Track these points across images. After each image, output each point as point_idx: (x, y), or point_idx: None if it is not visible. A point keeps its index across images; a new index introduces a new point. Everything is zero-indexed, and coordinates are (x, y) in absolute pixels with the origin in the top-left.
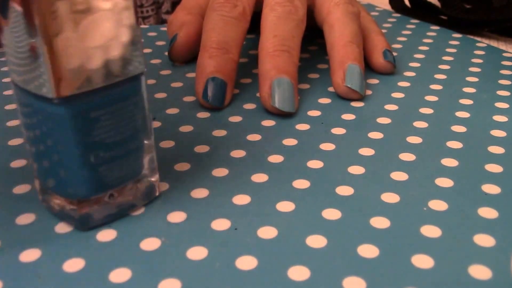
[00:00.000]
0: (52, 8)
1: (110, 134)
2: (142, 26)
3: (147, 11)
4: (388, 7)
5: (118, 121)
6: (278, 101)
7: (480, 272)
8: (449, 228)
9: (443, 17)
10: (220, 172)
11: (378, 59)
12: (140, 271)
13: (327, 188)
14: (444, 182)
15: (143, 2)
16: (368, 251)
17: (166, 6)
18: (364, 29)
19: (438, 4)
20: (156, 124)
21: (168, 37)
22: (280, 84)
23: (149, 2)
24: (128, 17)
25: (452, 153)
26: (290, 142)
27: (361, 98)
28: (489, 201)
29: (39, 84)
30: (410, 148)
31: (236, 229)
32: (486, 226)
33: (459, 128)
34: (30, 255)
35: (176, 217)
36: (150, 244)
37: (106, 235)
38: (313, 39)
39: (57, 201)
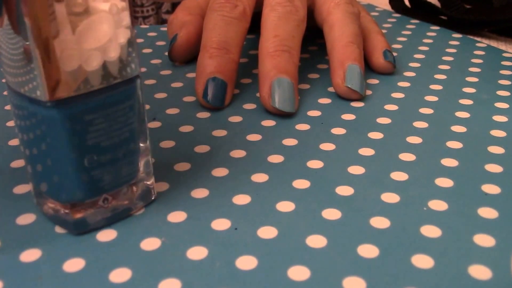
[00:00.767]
0: (49, 11)
1: (104, 137)
2: (142, 26)
3: (147, 11)
4: (388, 7)
5: (113, 124)
6: (278, 101)
7: (480, 272)
8: (449, 228)
9: (443, 17)
10: (220, 172)
11: (378, 59)
12: (140, 271)
13: (327, 188)
14: (444, 182)
15: (143, 1)
16: (368, 251)
17: (166, 6)
18: (364, 29)
19: (438, 4)
20: (156, 124)
21: (168, 37)
22: (280, 84)
23: (149, 1)
24: (125, 19)
25: (452, 153)
26: (290, 142)
27: (361, 98)
28: (489, 201)
29: (33, 87)
30: (410, 148)
31: (236, 229)
32: (486, 226)
33: (459, 128)
34: (30, 255)
35: (176, 217)
36: (150, 244)
37: (106, 235)
38: (313, 39)
39: (51, 205)
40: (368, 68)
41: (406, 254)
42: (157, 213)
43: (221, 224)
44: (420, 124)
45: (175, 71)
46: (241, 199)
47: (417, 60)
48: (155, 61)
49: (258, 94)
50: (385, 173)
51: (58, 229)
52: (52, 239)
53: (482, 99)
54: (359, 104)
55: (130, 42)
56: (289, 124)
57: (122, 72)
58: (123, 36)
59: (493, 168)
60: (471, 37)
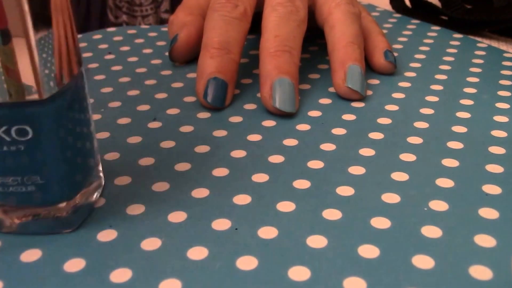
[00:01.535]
0: None
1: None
2: (143, 26)
3: (146, 10)
4: (388, 7)
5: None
6: (279, 102)
7: (480, 272)
8: (449, 228)
9: (443, 17)
10: (221, 172)
11: (379, 60)
12: (140, 271)
13: (327, 188)
14: (445, 183)
15: (142, 1)
16: (368, 251)
17: (165, 5)
18: (365, 29)
19: (438, 4)
20: (157, 124)
21: (169, 37)
22: (281, 85)
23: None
24: None
25: (452, 153)
26: (290, 142)
27: (362, 98)
28: (490, 201)
29: None
30: (411, 148)
31: (236, 229)
32: (487, 227)
33: (459, 129)
34: (30, 255)
35: (177, 217)
36: (151, 244)
37: (106, 235)
38: (313, 40)
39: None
40: (369, 68)
41: (407, 254)
42: (157, 213)
43: (221, 224)
44: (420, 124)
45: (175, 71)
46: (242, 199)
47: (418, 60)
48: (155, 62)
49: (258, 94)
50: (386, 173)
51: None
52: (53, 239)
53: (482, 99)
54: (360, 104)
55: None
56: (290, 124)
57: None
58: None
59: (494, 168)
60: (472, 37)
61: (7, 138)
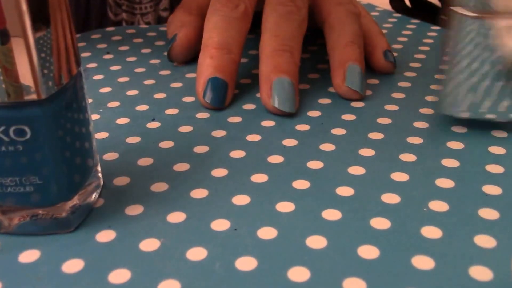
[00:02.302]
0: None
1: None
2: (142, 26)
3: (146, 8)
4: (388, 7)
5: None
6: (279, 101)
7: (481, 273)
8: (449, 229)
9: (443, 17)
10: (220, 172)
11: (379, 59)
12: (139, 272)
13: (327, 189)
14: (445, 183)
15: None
16: (368, 252)
17: (164, 3)
18: (365, 29)
19: (438, 4)
20: (155, 124)
21: (168, 37)
22: (281, 84)
23: None
24: None
25: (452, 153)
26: (290, 142)
27: (362, 98)
28: (490, 202)
29: None
30: (411, 148)
31: (236, 229)
32: (487, 227)
33: (459, 129)
34: (29, 256)
35: (176, 217)
36: (150, 244)
37: (105, 235)
38: (313, 39)
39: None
40: (369, 68)
41: (407, 255)
42: (156, 213)
43: (220, 225)
44: (420, 124)
45: (174, 71)
46: (241, 200)
47: (418, 60)
48: (154, 61)
49: (258, 94)
50: (386, 173)
51: (60, 230)
52: (51, 240)
53: None
54: (360, 104)
55: None
56: (289, 124)
57: None
58: None
59: (494, 168)
60: None
61: (6, 139)
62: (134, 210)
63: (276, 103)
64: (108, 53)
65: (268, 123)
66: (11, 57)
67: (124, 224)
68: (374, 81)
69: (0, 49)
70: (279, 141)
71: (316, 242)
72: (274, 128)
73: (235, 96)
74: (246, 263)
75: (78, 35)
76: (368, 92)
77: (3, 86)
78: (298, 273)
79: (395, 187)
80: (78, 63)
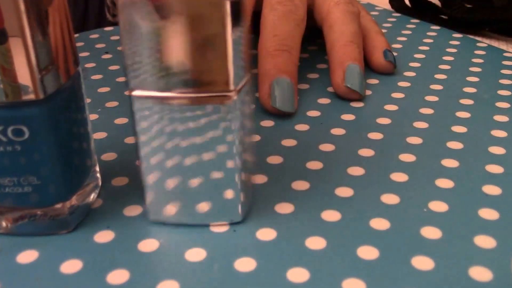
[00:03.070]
0: None
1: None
2: None
3: None
4: (388, 6)
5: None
6: (278, 101)
7: (480, 273)
8: (449, 229)
9: (443, 16)
10: None
11: (378, 59)
12: (138, 273)
13: (326, 189)
14: (445, 183)
15: None
16: (367, 252)
17: None
18: (364, 29)
19: (438, 3)
20: None
21: None
22: (280, 84)
23: None
24: None
25: (452, 153)
26: (289, 142)
27: (361, 98)
28: (490, 202)
29: None
30: (410, 148)
31: (234, 231)
32: (487, 227)
33: (459, 129)
34: (27, 256)
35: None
36: (148, 245)
37: (103, 236)
38: (312, 39)
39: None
40: (368, 68)
41: (406, 255)
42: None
43: (219, 226)
44: (420, 125)
45: None
46: None
47: (418, 60)
48: None
49: (257, 94)
50: (385, 174)
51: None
52: (49, 240)
53: (482, 99)
54: (359, 104)
55: None
56: (288, 124)
57: None
58: None
59: (494, 168)
60: (472, 36)
61: (4, 139)
62: (133, 210)
63: (275, 103)
64: (106, 52)
65: (267, 123)
66: (9, 57)
67: (122, 224)
68: (374, 81)
69: None
70: (278, 141)
71: (316, 243)
72: (273, 128)
73: None
74: (245, 264)
75: (76, 35)
76: (368, 92)
77: (1, 86)
78: (298, 274)
79: (394, 187)
80: (76, 63)
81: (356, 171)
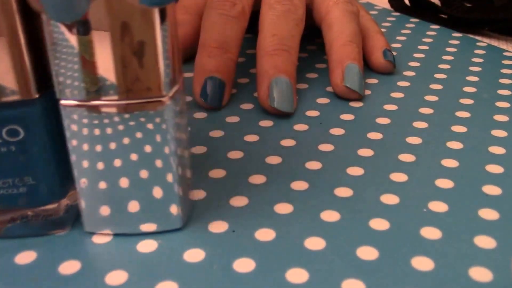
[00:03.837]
0: None
1: None
2: None
3: None
4: (387, 6)
5: None
6: (277, 101)
7: (481, 274)
8: (449, 229)
9: (443, 16)
10: (217, 173)
11: (378, 59)
12: (136, 274)
13: (325, 190)
14: (444, 183)
15: None
16: (367, 253)
17: None
18: (363, 28)
19: (438, 2)
20: None
21: None
22: (279, 84)
23: None
24: None
25: (452, 153)
26: (288, 142)
27: (360, 98)
28: (490, 202)
29: None
30: (410, 148)
31: (233, 231)
32: (487, 228)
33: (459, 128)
34: (25, 257)
35: None
36: (147, 246)
37: (102, 237)
38: (311, 39)
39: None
40: (368, 67)
41: (406, 256)
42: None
43: (218, 227)
44: (420, 124)
45: None
46: (239, 201)
47: (417, 60)
48: None
49: (255, 94)
50: (385, 174)
51: (54, 231)
52: (47, 241)
53: (482, 99)
54: (358, 104)
55: None
56: (287, 124)
57: None
58: None
59: (494, 168)
60: (472, 36)
61: None
62: None
63: (274, 102)
64: None
65: (266, 123)
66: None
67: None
68: (373, 80)
69: None
70: (277, 142)
71: (315, 243)
72: (272, 128)
73: (232, 96)
74: (244, 265)
75: None
76: (367, 92)
77: None
78: (297, 275)
79: (394, 187)
80: None
81: (355, 171)
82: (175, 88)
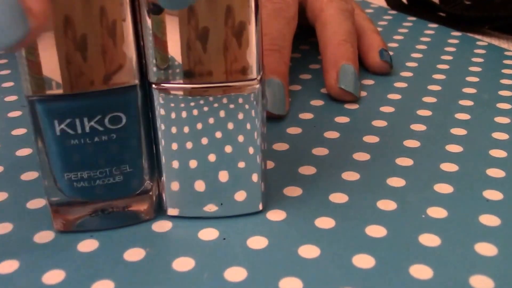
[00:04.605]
0: None
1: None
2: None
3: None
4: (383, 4)
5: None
6: (268, 104)
7: (482, 283)
8: (448, 236)
9: (441, 14)
10: None
11: (374, 59)
12: (123, 283)
13: (320, 195)
14: (443, 188)
15: None
16: (363, 261)
17: None
18: (359, 27)
19: (436, 0)
20: None
21: None
22: (270, 86)
23: None
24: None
25: (451, 157)
26: (280, 146)
27: (356, 99)
28: (491, 207)
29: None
30: (408, 152)
31: (224, 239)
32: (488, 234)
33: (459, 131)
34: (7, 266)
35: (161, 226)
36: (134, 254)
37: (87, 245)
38: (305, 38)
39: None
40: (363, 68)
41: (404, 264)
42: (141, 222)
43: (208, 234)
44: (418, 127)
45: None
46: None
47: (415, 60)
48: None
49: None
50: (381, 179)
51: (37, 239)
52: (31, 250)
53: (483, 100)
54: (354, 106)
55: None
56: (280, 127)
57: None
58: None
59: (495, 172)
60: (471, 35)
61: (100, 128)
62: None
63: (265, 105)
64: None
65: None
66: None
67: (107, 233)
68: (369, 81)
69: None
70: (270, 146)
71: (309, 251)
72: None
73: None
74: (235, 274)
75: None
76: (363, 93)
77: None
78: (290, 284)
79: (391, 193)
80: None
81: (351, 176)
82: (261, 72)
